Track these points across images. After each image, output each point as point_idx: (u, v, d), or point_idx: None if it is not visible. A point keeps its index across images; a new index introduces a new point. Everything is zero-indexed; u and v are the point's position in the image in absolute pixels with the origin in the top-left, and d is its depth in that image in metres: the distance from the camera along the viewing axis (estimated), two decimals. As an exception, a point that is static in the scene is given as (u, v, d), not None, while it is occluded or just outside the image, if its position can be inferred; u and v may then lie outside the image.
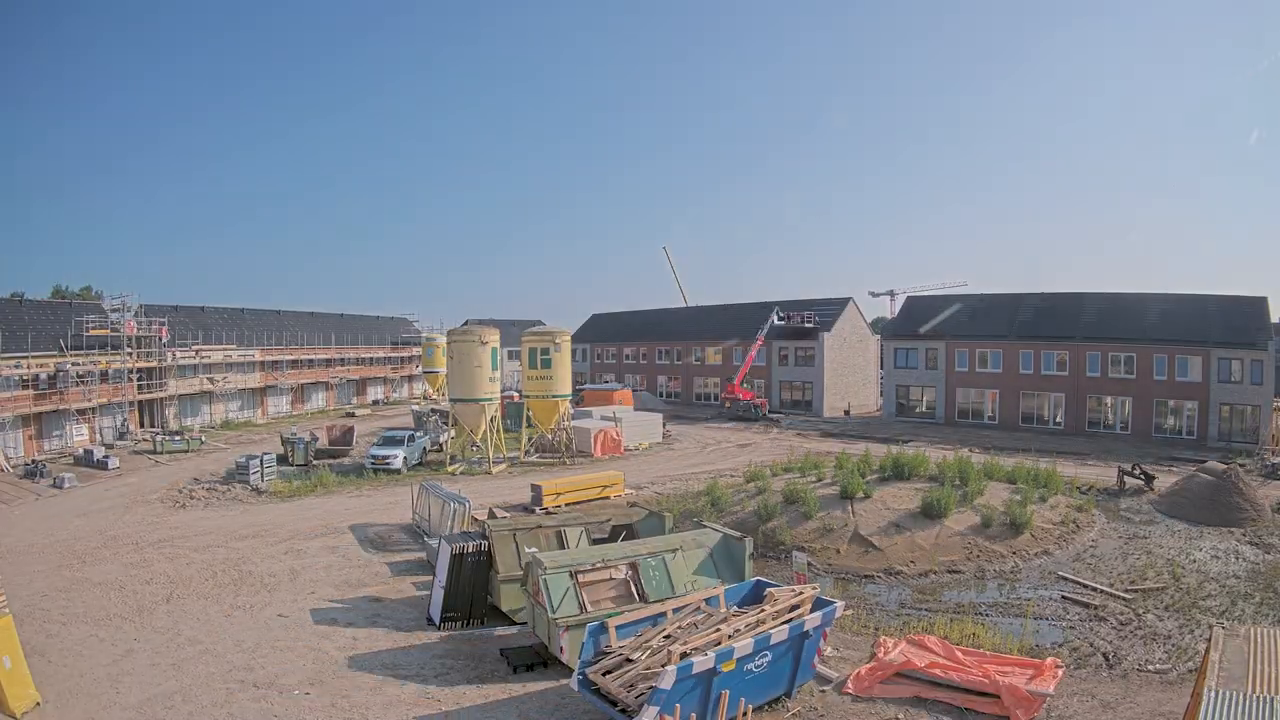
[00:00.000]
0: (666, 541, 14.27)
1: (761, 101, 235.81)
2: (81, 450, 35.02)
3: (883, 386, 53.71)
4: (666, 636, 11.05)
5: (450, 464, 33.08)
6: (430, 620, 14.68)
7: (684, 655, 9.82)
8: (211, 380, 47.91)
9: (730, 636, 10.55)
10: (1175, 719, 10.25)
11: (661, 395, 63.54)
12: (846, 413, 53.76)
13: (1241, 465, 27.08)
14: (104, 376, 39.26)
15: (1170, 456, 33.95)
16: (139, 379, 41.93)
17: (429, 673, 12.35)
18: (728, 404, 52.92)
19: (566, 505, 24.51)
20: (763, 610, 11.20)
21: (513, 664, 12.54)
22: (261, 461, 29.98)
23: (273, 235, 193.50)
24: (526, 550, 14.52)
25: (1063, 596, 15.90)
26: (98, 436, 38.62)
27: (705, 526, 15.98)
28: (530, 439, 36.89)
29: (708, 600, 12.24)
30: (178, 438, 38.26)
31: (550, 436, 36.30)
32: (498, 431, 33.94)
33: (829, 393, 53.94)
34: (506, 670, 12.43)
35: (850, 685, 11.57)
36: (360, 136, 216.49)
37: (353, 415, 53.65)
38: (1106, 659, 12.92)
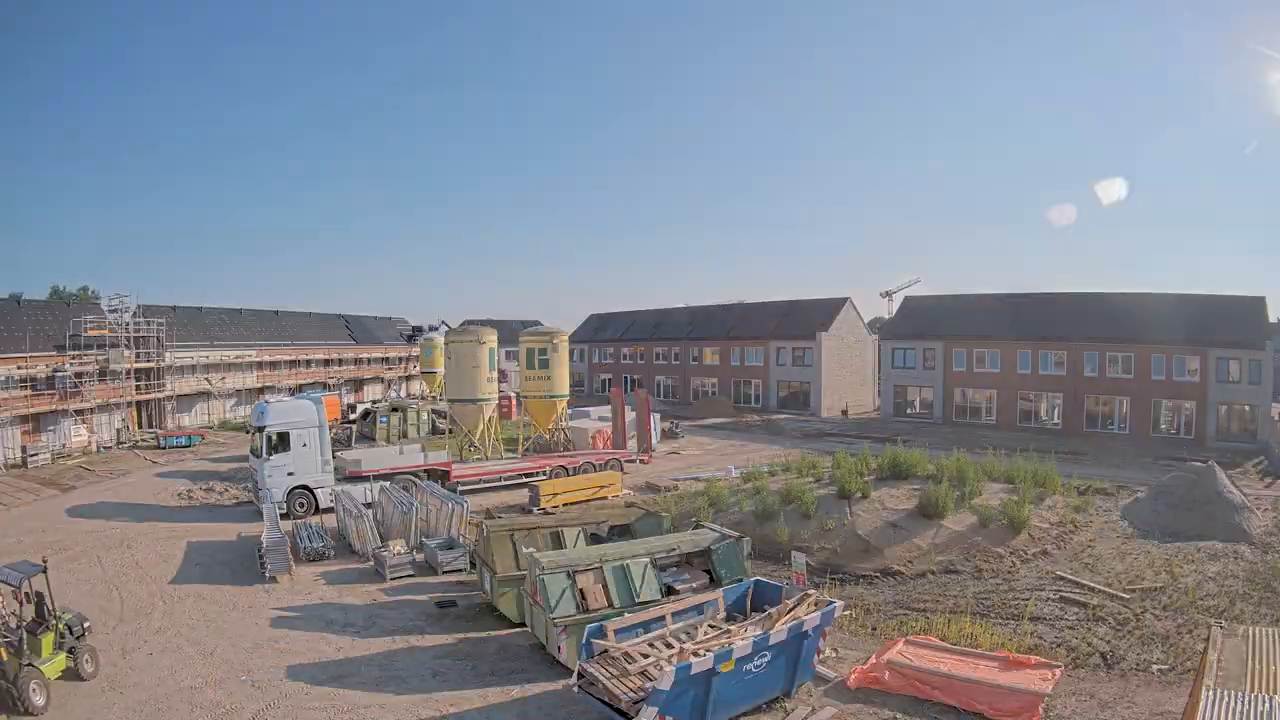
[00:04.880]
0: (664, 542, 14.27)
1: (762, 101, 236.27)
2: (80, 450, 34.92)
3: (880, 387, 53.72)
4: (664, 639, 11.05)
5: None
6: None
7: (683, 655, 9.82)
8: (209, 380, 47.84)
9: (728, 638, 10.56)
10: (1174, 719, 10.26)
11: (659, 395, 63.56)
12: (844, 413, 53.74)
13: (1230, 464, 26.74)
14: (102, 376, 39.19)
15: (1169, 456, 33.96)
16: (137, 379, 41.87)
17: (427, 673, 12.34)
18: None
19: (564, 506, 24.50)
20: (769, 615, 11.19)
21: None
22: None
23: (273, 235, 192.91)
24: (524, 550, 14.52)
25: (1060, 596, 15.89)
26: (96, 437, 38.50)
27: (703, 526, 15.98)
28: (528, 439, 36.84)
29: (707, 601, 12.26)
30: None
31: (548, 437, 36.25)
32: (495, 432, 33.92)
33: (827, 393, 53.93)
34: (497, 666, 12.42)
35: (849, 685, 11.57)
36: (359, 135, 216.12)
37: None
38: (1104, 659, 12.91)
